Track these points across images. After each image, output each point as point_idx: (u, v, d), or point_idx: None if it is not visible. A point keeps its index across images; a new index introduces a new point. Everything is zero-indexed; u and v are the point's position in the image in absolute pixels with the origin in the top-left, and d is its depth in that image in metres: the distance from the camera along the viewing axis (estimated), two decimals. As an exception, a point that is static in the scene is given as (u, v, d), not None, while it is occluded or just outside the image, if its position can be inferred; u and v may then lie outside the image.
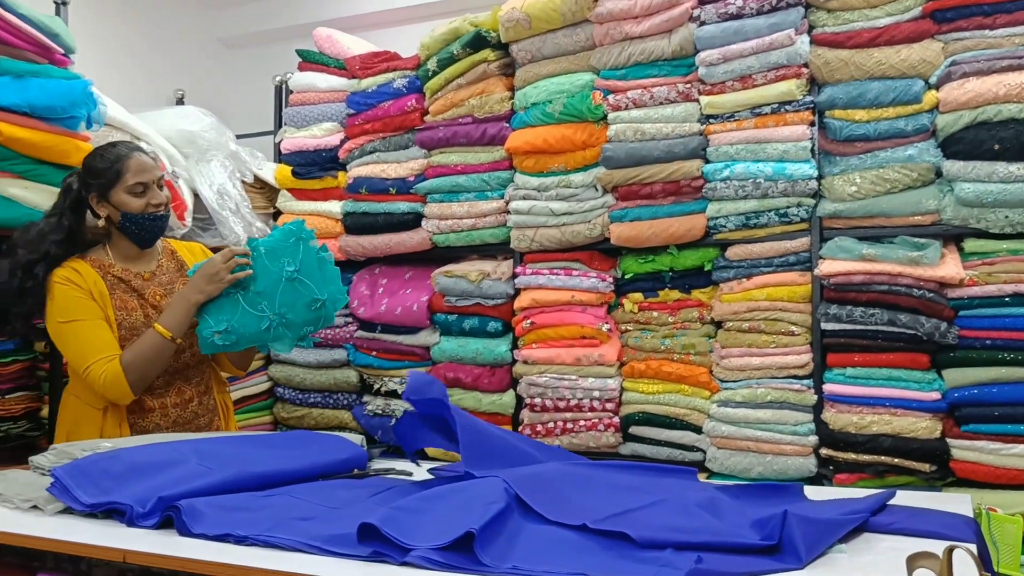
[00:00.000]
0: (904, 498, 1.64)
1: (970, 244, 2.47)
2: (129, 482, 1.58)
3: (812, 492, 1.68)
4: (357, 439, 2.04)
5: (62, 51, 2.84)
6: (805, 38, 2.61)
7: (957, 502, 1.64)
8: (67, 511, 1.58)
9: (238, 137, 3.81)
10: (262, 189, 3.72)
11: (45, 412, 2.93)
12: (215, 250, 2.45)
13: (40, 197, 2.72)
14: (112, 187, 2.24)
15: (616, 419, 2.88)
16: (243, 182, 3.56)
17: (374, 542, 1.27)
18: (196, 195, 3.38)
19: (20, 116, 2.61)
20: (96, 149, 2.36)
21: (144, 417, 2.25)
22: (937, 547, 1.11)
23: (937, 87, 2.47)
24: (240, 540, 1.35)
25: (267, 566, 1.22)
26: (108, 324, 2.21)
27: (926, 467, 2.44)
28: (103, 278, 2.25)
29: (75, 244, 2.31)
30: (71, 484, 1.58)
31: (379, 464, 2.03)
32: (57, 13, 3.06)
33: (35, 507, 1.62)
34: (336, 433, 2.15)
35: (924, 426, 2.44)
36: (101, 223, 2.30)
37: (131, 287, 2.29)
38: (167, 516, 1.47)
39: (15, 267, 2.20)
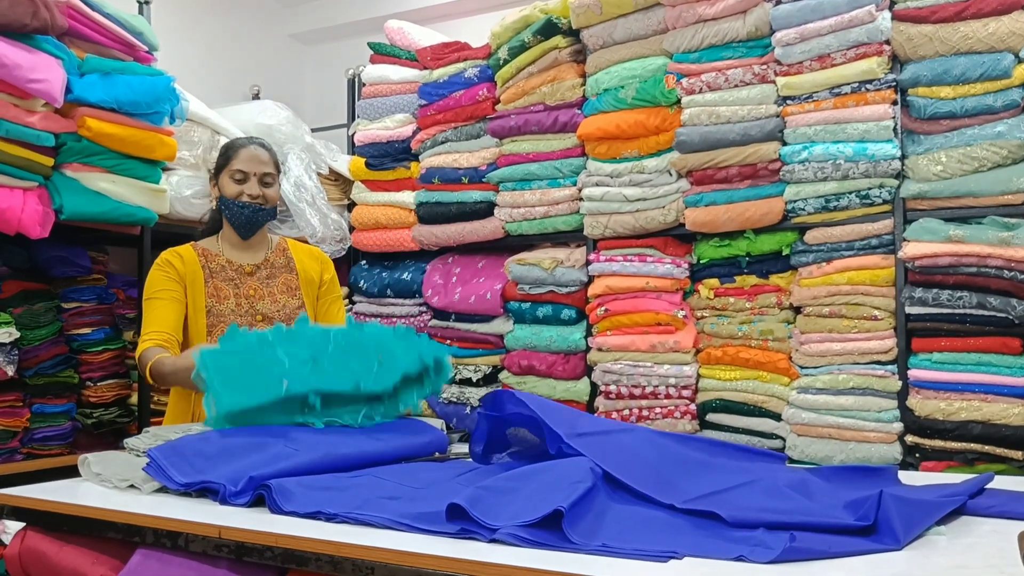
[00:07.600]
0: (1001, 483, 1.59)
1: (1065, 223, 2.38)
2: (221, 462, 1.62)
3: (903, 477, 1.64)
4: (438, 423, 2.05)
5: (146, 49, 2.92)
6: (886, 14, 2.54)
7: (1056, 488, 1.58)
8: (162, 490, 1.63)
9: (313, 130, 3.88)
10: (337, 181, 3.78)
11: (134, 399, 3.03)
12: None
13: (127, 191, 2.81)
14: (221, 171, 2.35)
15: (692, 406, 2.85)
16: (319, 174, 3.62)
17: (461, 521, 1.28)
18: (273, 188, 3.44)
19: (107, 112, 2.70)
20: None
21: None
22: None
23: (1028, 61, 2.39)
24: (330, 517, 1.37)
25: (359, 541, 1.24)
26: (181, 305, 2.27)
27: (1018, 454, 2.36)
28: (203, 267, 2.31)
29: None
30: (166, 464, 1.62)
31: (459, 448, 2.05)
32: (140, 12, 3.15)
33: (132, 486, 1.67)
34: (417, 418, 2.17)
35: (1016, 412, 2.36)
36: (213, 204, 2.38)
37: (228, 277, 2.35)
38: (258, 495, 1.50)
39: None
